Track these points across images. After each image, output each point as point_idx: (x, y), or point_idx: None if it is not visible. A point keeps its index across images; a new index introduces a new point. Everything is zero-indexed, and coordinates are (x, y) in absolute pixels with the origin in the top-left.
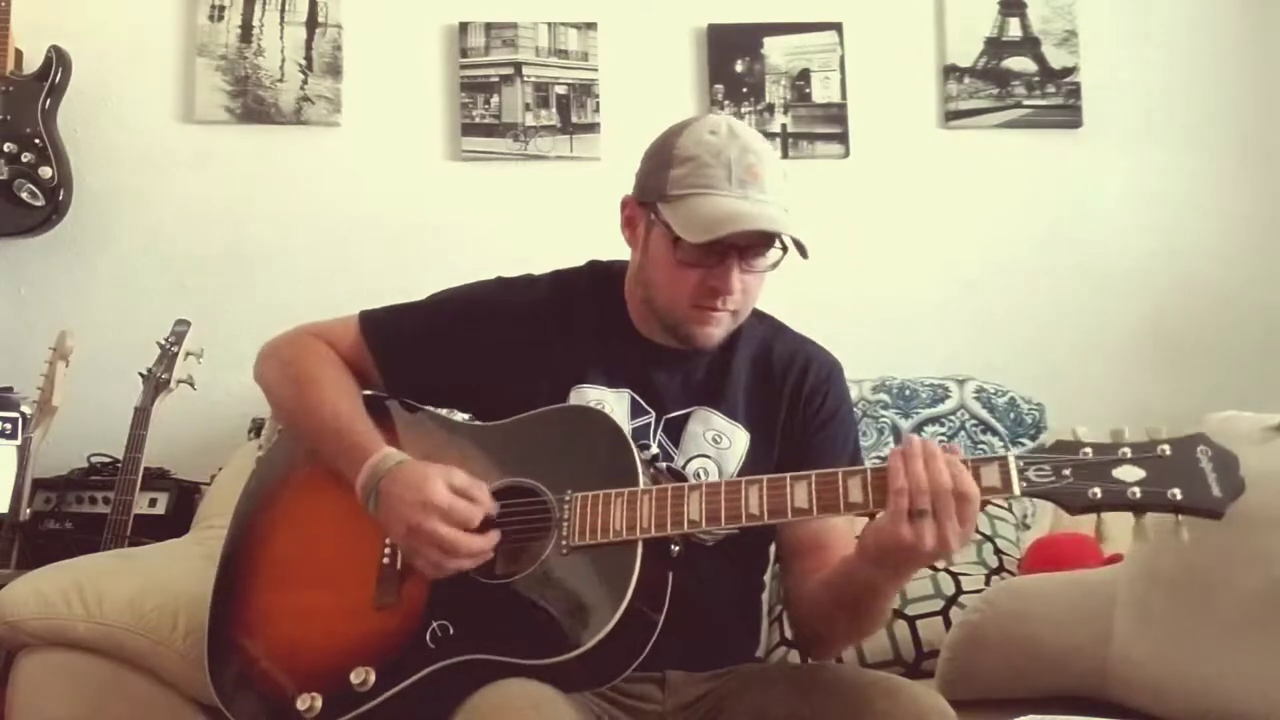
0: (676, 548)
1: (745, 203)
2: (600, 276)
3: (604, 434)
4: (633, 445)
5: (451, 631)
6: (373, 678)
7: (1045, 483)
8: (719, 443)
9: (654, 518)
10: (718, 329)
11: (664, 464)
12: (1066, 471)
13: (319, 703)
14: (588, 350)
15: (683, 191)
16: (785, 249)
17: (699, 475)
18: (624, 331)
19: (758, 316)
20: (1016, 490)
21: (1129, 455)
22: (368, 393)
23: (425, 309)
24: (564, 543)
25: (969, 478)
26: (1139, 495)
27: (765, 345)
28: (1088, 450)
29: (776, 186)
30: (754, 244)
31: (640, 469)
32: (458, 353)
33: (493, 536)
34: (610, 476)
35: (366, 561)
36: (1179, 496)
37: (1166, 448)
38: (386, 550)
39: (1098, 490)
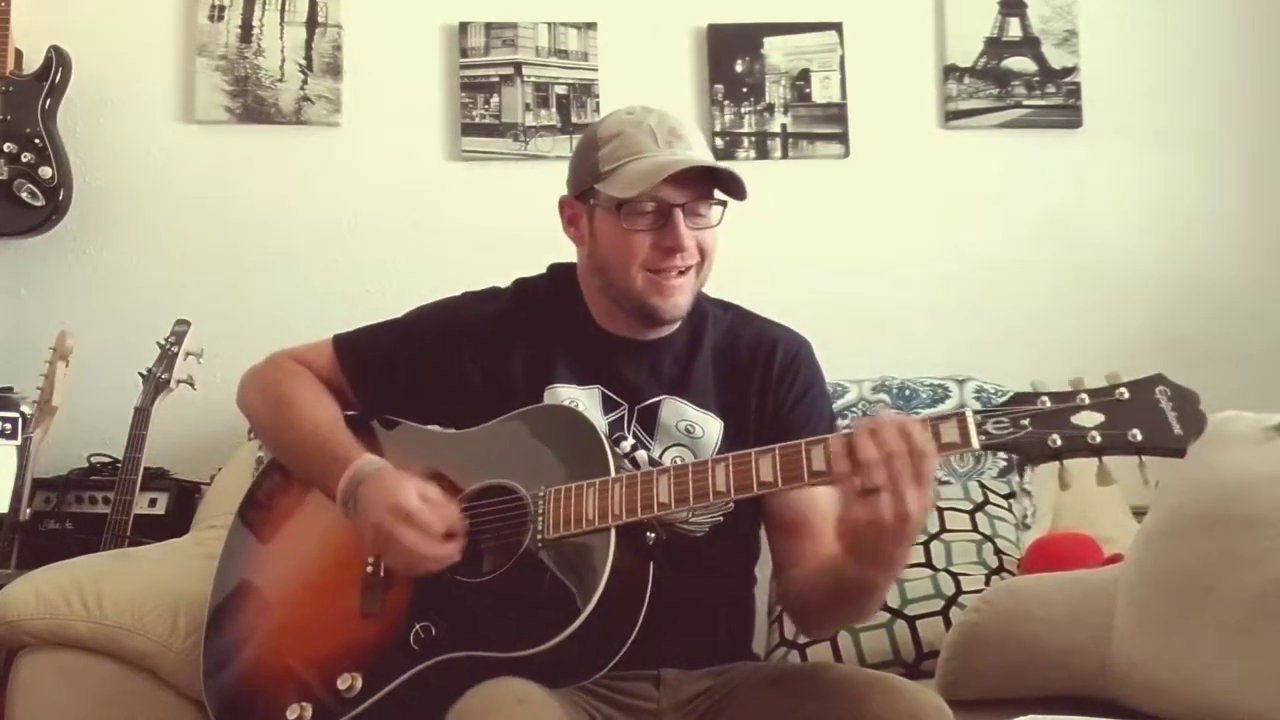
0: (653, 535)
1: (674, 154)
2: (560, 278)
3: (576, 430)
4: (604, 438)
5: (434, 632)
6: (359, 683)
7: (1004, 434)
8: (691, 432)
9: (625, 503)
10: (680, 297)
11: (642, 452)
12: (1025, 422)
13: (309, 712)
14: (555, 352)
15: (614, 164)
16: (725, 203)
17: (676, 463)
18: (588, 329)
19: (723, 306)
20: (975, 444)
21: (1087, 401)
22: (347, 413)
23: (396, 329)
24: (539, 536)
25: (921, 436)
26: (1099, 439)
27: (732, 333)
28: (1045, 399)
29: (703, 143)
30: (695, 198)
31: (612, 459)
32: (430, 370)
33: (457, 543)
34: (584, 470)
35: (351, 571)
36: (1139, 437)
37: (1125, 390)
38: (370, 558)
39: (1057, 437)
